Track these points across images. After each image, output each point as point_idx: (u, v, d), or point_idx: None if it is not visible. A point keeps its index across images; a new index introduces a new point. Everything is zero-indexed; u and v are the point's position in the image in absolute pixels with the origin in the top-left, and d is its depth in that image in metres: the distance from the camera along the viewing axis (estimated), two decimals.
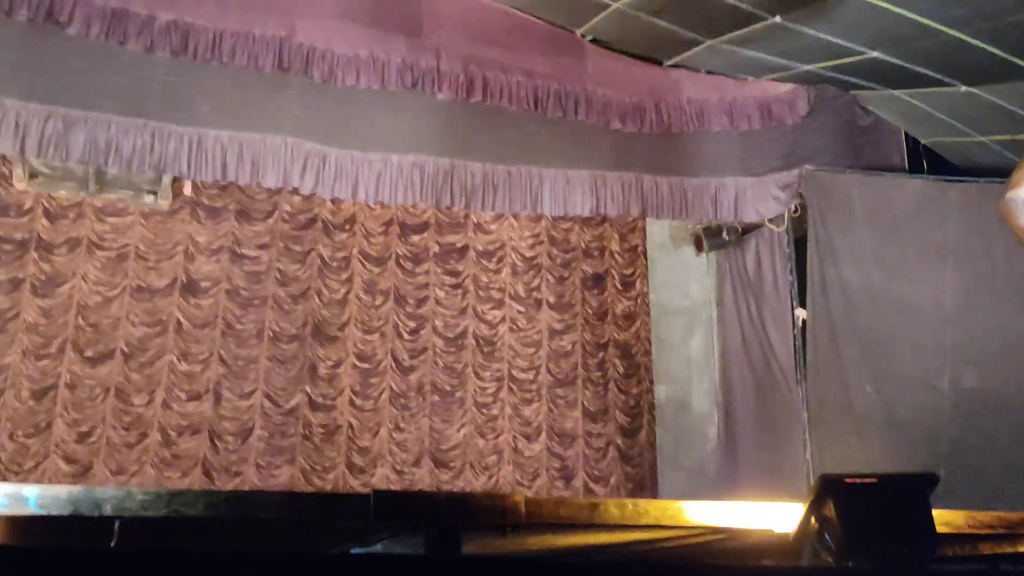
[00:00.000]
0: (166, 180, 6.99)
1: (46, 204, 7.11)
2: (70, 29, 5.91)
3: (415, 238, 8.14)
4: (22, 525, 2.56)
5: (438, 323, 8.05)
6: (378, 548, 3.35)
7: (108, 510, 2.59)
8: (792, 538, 3.07)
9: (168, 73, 6.18)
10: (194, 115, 6.23)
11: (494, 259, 8.36)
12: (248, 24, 6.33)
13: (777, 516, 3.29)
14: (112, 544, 2.68)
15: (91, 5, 5.99)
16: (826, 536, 2.89)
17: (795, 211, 7.55)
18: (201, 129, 6.23)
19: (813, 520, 2.94)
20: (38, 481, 6.71)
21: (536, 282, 8.46)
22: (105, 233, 7.24)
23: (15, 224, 7.02)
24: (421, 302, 8.05)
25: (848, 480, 2.97)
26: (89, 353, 7.04)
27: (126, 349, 7.12)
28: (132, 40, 6.01)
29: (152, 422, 7.06)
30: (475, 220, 8.33)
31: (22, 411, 6.78)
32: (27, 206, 7.06)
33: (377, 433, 7.65)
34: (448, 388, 7.94)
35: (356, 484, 7.41)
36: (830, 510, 2.89)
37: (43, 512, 2.44)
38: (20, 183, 6.81)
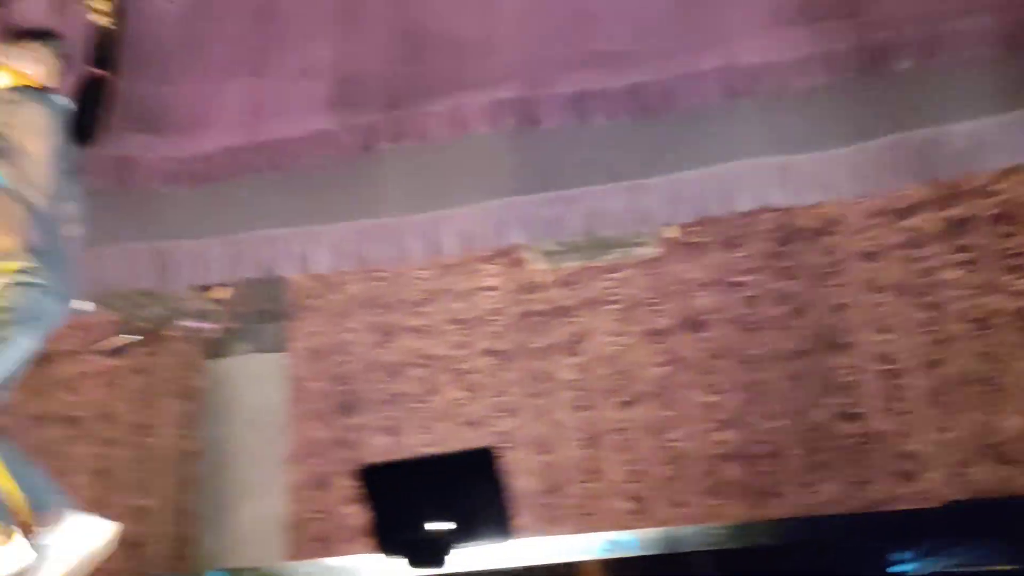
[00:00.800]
0: (653, 229, 7.53)
1: (561, 276, 8.12)
2: (543, 121, 6.67)
3: (909, 221, 7.57)
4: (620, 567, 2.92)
5: (957, 307, 7.36)
6: (950, 565, 3.15)
7: (691, 547, 2.84)
8: None
9: (626, 132, 6.65)
10: (662, 165, 6.60)
11: (1006, 223, 7.41)
12: (689, 65, 6.55)
13: None
14: None
15: (555, 96, 6.69)
16: None
17: None
18: (672, 176, 6.57)
19: None
20: (604, 522, 7.49)
21: None
22: (612, 289, 8.04)
23: (540, 299, 8.15)
24: (931, 288, 7.45)
25: None
26: (623, 398, 7.80)
27: (652, 390, 7.76)
28: (598, 115, 6.61)
29: (690, 455, 7.54)
30: (973, 185, 7.49)
31: (577, 459, 7.74)
32: (545, 281, 8.15)
33: (916, 436, 7.19)
34: (986, 375, 7.13)
35: (905, 492, 7.00)
36: None
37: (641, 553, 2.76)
38: (537, 264, 8.01)
